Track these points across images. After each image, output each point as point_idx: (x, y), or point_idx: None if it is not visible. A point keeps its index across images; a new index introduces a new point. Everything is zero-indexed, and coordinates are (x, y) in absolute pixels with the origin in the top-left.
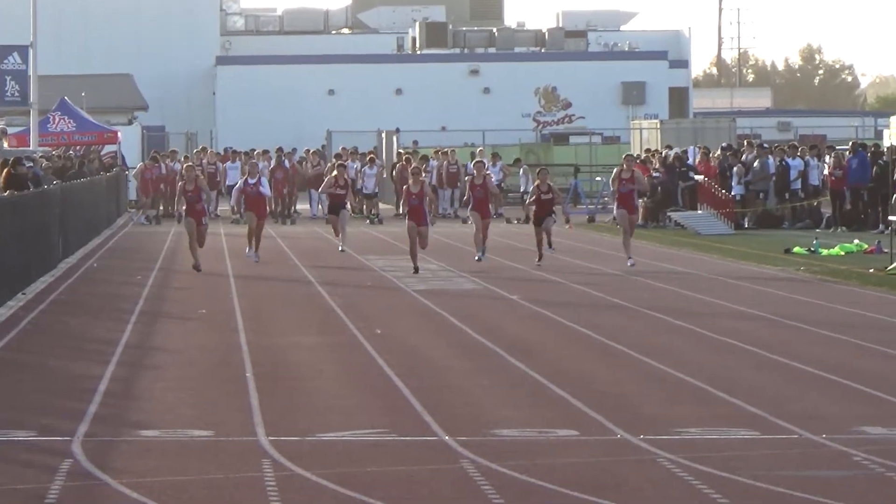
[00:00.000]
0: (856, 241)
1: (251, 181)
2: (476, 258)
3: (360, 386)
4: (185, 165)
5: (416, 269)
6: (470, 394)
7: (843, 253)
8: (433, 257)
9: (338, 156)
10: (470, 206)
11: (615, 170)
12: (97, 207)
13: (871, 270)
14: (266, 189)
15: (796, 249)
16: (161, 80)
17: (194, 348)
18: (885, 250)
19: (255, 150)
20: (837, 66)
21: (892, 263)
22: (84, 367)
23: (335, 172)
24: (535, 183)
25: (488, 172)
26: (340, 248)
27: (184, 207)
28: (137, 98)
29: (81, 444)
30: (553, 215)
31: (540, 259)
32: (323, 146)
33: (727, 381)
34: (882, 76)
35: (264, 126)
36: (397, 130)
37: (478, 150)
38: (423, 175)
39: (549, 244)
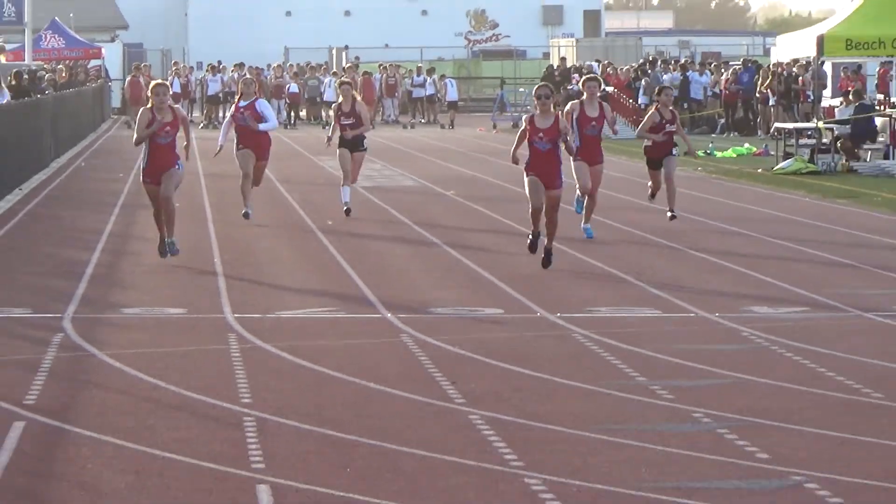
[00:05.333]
0: (746, 145)
1: (242, 104)
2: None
3: (314, 270)
4: (153, 84)
5: (536, 239)
6: (410, 277)
7: (735, 155)
8: (378, 158)
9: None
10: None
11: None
12: (84, 114)
13: (760, 170)
14: (270, 120)
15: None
16: (140, 1)
17: None
18: (772, 153)
19: (240, 64)
20: None
21: (777, 164)
22: (73, 253)
23: (340, 99)
24: (655, 107)
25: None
26: (345, 207)
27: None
28: (119, 18)
29: (71, 320)
30: (675, 153)
31: (657, 202)
32: (281, 63)
33: (634, 267)
34: (770, 0)
35: (230, 44)
36: (346, 47)
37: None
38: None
39: (671, 209)
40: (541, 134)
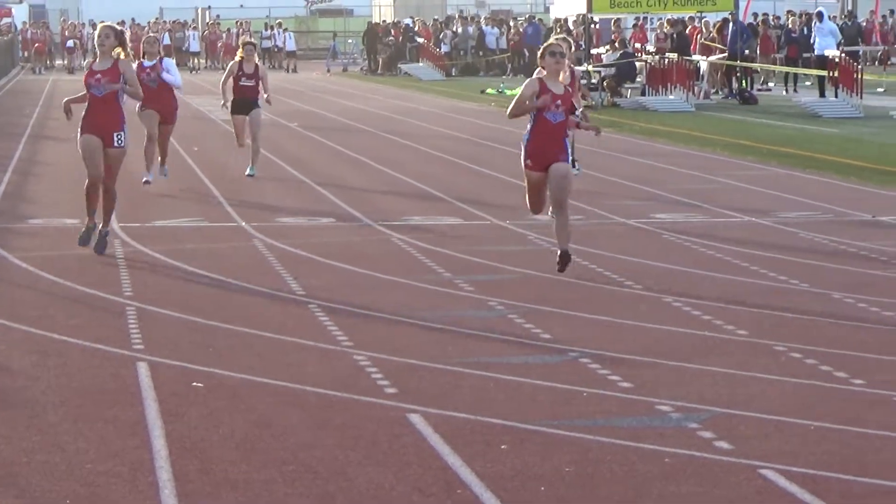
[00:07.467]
0: None
1: (147, 64)
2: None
3: (183, 187)
4: (99, 26)
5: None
6: (261, 192)
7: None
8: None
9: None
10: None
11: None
12: None
13: None
14: (174, 76)
15: (488, 90)
16: None
17: (66, 161)
18: None
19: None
20: None
21: None
22: None
23: (240, 56)
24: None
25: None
26: (248, 172)
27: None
28: None
29: None
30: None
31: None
32: (157, 19)
33: (440, 183)
34: None
35: (115, 4)
36: (209, 8)
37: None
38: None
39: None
40: (558, 102)
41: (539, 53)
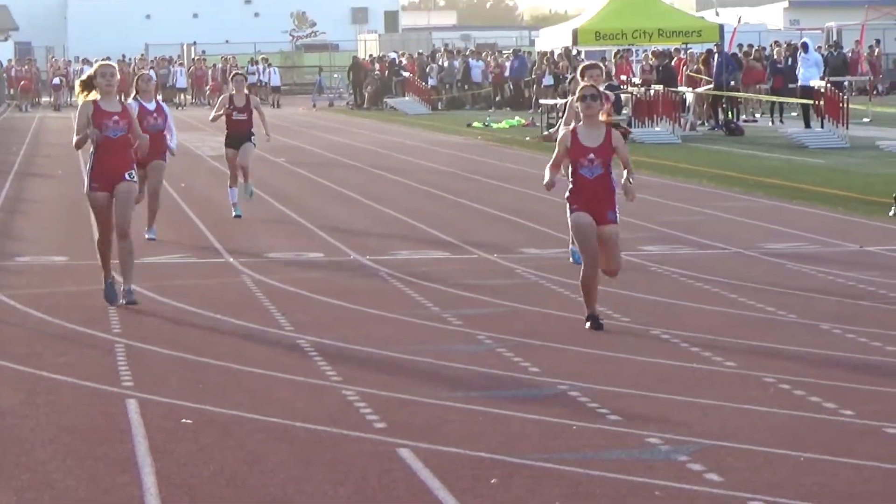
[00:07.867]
0: (516, 118)
1: (149, 106)
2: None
3: (170, 224)
4: (99, 64)
5: (594, 320)
6: (249, 228)
7: (507, 126)
8: (221, 132)
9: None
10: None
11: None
12: None
13: (528, 138)
14: (173, 132)
15: (475, 124)
16: (27, 7)
17: (54, 198)
18: (537, 124)
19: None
20: None
21: (542, 133)
22: None
23: (232, 90)
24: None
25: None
26: (234, 212)
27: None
28: (11, 21)
29: None
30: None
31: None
32: (142, 55)
33: (428, 218)
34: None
35: (101, 40)
36: (194, 43)
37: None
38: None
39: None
40: (591, 156)
41: (574, 98)
